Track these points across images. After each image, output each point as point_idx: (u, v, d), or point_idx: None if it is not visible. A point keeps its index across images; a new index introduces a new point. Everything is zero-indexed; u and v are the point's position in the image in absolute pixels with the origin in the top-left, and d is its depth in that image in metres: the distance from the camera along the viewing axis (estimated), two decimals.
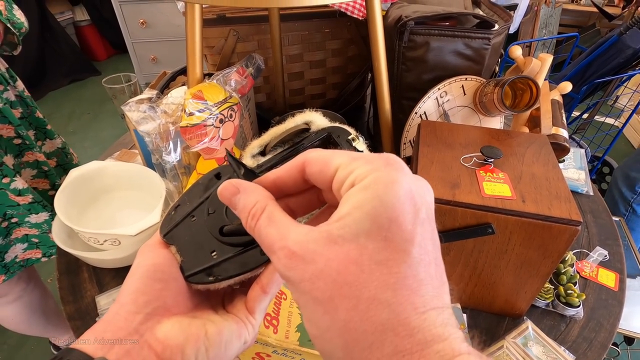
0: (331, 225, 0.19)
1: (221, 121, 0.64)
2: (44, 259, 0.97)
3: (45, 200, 0.92)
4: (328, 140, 0.56)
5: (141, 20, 2.60)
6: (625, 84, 1.54)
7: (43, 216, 0.91)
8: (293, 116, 0.65)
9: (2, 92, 0.86)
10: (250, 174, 0.26)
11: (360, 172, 0.19)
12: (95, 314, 0.62)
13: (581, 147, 1.46)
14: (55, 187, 1.01)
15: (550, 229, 0.48)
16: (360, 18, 0.84)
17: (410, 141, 0.74)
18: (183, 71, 0.79)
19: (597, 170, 1.76)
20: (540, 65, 0.69)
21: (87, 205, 0.74)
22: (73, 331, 0.61)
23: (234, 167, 0.26)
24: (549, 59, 0.70)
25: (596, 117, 1.65)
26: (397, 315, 0.17)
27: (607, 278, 0.69)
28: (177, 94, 0.66)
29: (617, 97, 1.81)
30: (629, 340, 1.04)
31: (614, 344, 1.08)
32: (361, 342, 0.17)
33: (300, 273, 0.18)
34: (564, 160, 0.93)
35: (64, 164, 1.07)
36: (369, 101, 1.09)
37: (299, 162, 0.22)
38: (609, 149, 1.59)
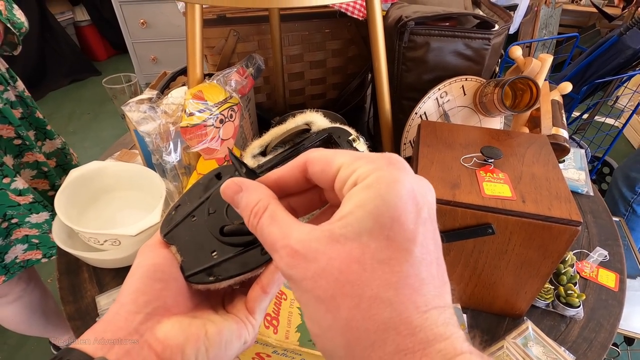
0: (333, 224, 0.19)
1: (221, 121, 0.64)
2: (44, 260, 0.97)
3: (45, 200, 0.92)
4: (329, 140, 0.56)
5: (141, 21, 2.61)
6: (625, 85, 1.55)
7: (44, 216, 0.91)
8: (294, 116, 0.65)
9: (2, 92, 0.86)
10: (252, 174, 0.26)
11: (362, 172, 0.19)
12: (95, 314, 0.62)
13: (581, 147, 1.46)
14: (54, 188, 1.01)
15: (550, 229, 0.48)
16: (361, 18, 0.84)
17: (410, 141, 0.74)
18: (183, 71, 0.79)
19: (597, 170, 1.76)
20: (541, 65, 0.69)
21: (87, 206, 0.74)
22: (73, 331, 0.61)
23: (236, 166, 0.26)
24: (549, 59, 0.70)
25: (596, 117, 1.65)
26: (399, 314, 0.17)
27: (607, 278, 0.69)
28: (177, 94, 0.66)
29: (617, 98, 1.82)
30: (629, 340, 1.04)
31: (614, 344, 1.08)
32: (363, 341, 0.17)
33: (303, 271, 0.18)
34: (564, 161, 0.93)
35: (64, 165, 1.07)
36: (369, 101, 1.09)
37: (301, 161, 0.22)
38: (609, 150, 1.59)
